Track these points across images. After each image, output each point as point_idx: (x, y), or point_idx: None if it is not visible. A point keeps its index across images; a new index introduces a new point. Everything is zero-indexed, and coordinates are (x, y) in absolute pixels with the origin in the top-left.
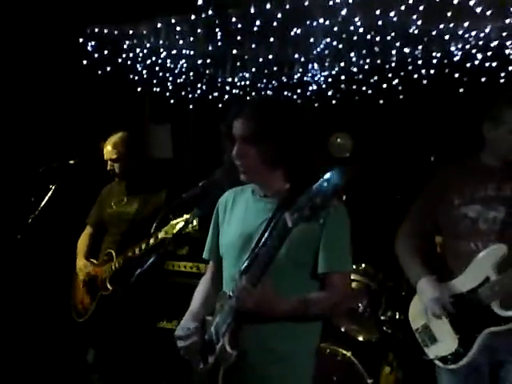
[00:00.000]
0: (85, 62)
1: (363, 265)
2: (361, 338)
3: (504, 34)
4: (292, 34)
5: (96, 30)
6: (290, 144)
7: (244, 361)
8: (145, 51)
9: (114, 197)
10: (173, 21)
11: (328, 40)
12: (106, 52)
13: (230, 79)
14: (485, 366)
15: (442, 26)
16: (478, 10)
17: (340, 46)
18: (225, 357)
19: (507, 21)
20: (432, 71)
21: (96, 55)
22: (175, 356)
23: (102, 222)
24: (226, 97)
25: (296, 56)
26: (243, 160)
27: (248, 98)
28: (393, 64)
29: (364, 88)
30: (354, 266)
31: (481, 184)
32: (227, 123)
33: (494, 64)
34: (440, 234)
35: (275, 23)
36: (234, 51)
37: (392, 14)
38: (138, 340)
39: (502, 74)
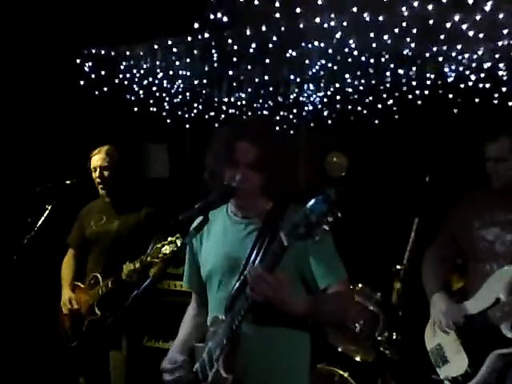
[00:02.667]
0: (82, 82)
1: (360, 285)
2: (358, 359)
3: (496, 55)
4: (287, 55)
5: (93, 51)
6: (286, 169)
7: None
8: (141, 72)
9: (94, 216)
10: (169, 42)
11: (323, 61)
12: (102, 73)
13: (226, 99)
14: None
15: (435, 49)
16: (471, 33)
17: (335, 67)
18: (220, 382)
19: (499, 43)
20: (426, 92)
21: (93, 76)
22: None
23: (84, 242)
24: (223, 116)
25: (292, 77)
26: (246, 184)
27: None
28: (387, 85)
29: (359, 108)
30: (351, 287)
31: (501, 208)
32: (228, 144)
33: (487, 85)
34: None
35: (271, 45)
36: (230, 72)
37: (386, 36)
38: (131, 362)
39: (495, 95)
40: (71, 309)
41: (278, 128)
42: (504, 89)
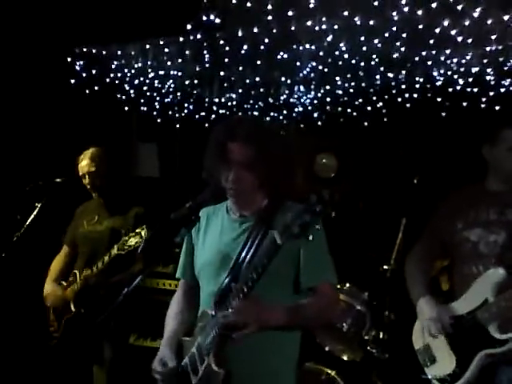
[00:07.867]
0: (73, 81)
1: (347, 284)
2: (345, 358)
3: (484, 60)
4: (279, 57)
5: (84, 49)
6: (281, 167)
7: (230, 377)
8: (133, 71)
9: (87, 215)
10: (161, 42)
11: (314, 64)
12: (94, 72)
13: (216, 99)
14: None
15: (424, 53)
16: (459, 38)
17: (326, 69)
18: (212, 376)
19: (487, 48)
20: (415, 95)
21: (84, 75)
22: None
23: (75, 241)
24: (213, 117)
25: (282, 78)
26: (240, 184)
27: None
28: (377, 88)
29: (349, 110)
30: (339, 286)
31: (483, 208)
32: (220, 144)
33: (475, 89)
34: (447, 258)
35: (262, 47)
36: (222, 73)
37: (376, 40)
38: (119, 359)
39: (483, 99)
40: (55, 307)
41: (270, 127)
42: (491, 93)
